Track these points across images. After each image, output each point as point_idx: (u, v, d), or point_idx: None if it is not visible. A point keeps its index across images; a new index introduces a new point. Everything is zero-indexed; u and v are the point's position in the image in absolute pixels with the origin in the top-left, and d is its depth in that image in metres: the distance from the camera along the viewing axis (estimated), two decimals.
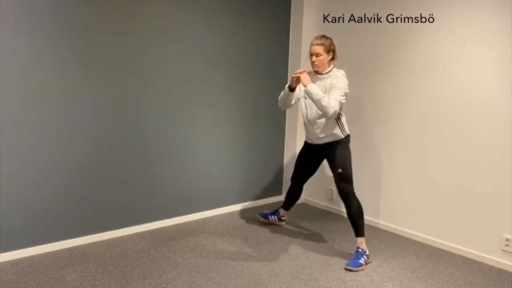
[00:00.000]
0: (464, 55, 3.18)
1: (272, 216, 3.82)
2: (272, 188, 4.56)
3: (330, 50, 3.07)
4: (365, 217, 3.89)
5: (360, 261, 3.00)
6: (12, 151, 2.86)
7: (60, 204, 3.11)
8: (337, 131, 3.14)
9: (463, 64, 3.19)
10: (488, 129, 3.08)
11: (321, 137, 3.18)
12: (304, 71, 3.03)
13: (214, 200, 4.06)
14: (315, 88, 2.93)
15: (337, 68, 3.14)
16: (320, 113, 3.05)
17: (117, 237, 3.40)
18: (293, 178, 3.59)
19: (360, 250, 3.08)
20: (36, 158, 2.96)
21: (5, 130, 2.81)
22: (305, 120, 3.27)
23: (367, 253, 3.09)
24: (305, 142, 3.44)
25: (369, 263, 3.07)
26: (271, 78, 4.32)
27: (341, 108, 3.02)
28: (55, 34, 2.94)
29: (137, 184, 3.50)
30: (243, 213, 4.12)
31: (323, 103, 2.88)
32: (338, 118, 3.13)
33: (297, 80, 3.06)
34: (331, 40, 3.10)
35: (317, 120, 3.15)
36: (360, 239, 3.12)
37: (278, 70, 4.36)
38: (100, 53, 3.16)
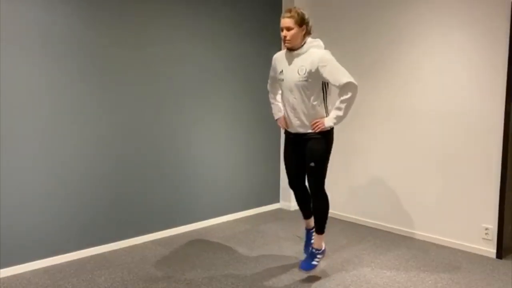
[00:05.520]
0: (437, 69, 3.63)
1: (315, 260, 3.03)
2: (270, 196, 4.88)
3: (303, 22, 2.70)
4: (358, 217, 4.30)
5: (314, 262, 2.97)
6: (41, 168, 3.12)
7: (82, 216, 3.37)
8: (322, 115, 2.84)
9: (438, 76, 3.63)
10: (466, 129, 3.52)
11: (307, 124, 2.85)
12: (317, 121, 2.79)
13: (219, 209, 4.35)
14: (337, 118, 2.74)
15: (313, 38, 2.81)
16: (302, 97, 2.78)
17: (134, 245, 3.65)
18: (291, 182, 3.10)
19: (314, 250, 2.99)
20: (64, 174, 3.24)
21: (34, 148, 3.08)
22: (287, 108, 2.92)
23: (323, 248, 3.02)
24: (287, 135, 3.08)
25: (321, 258, 3.05)
26: (267, 95, 4.68)
27: (327, 91, 2.81)
28: (81, 59, 3.26)
29: (150, 196, 3.78)
30: (246, 220, 4.43)
31: (350, 100, 2.66)
32: (324, 100, 2.83)
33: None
34: (304, 12, 2.74)
35: (299, 107, 2.82)
36: (319, 236, 2.99)
37: None
38: (119, 77, 3.49)
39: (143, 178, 3.72)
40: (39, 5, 3.04)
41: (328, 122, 2.78)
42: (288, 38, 2.71)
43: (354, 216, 4.37)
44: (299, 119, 2.86)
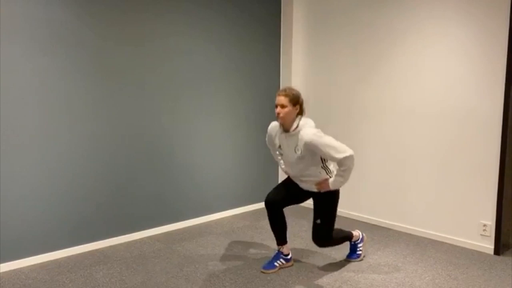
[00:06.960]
0: (435, 65, 3.62)
1: (277, 261, 3.10)
2: (267, 192, 4.87)
3: (297, 102, 2.83)
4: (356, 213, 4.32)
5: (358, 252, 3.27)
6: (39, 164, 3.11)
7: (80, 212, 3.36)
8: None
9: (436, 73, 3.63)
10: (464, 127, 3.52)
11: (313, 186, 2.97)
12: (322, 183, 2.90)
13: (217, 205, 4.35)
14: (341, 182, 2.81)
15: (305, 118, 2.90)
16: (304, 168, 2.90)
17: (132, 240, 3.65)
18: (270, 201, 3.11)
19: (353, 243, 3.26)
20: (61, 171, 3.23)
21: (32, 145, 3.07)
22: (291, 173, 3.06)
23: (361, 236, 3.27)
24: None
25: (363, 244, 3.29)
26: (265, 92, 4.69)
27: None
28: (79, 56, 3.25)
29: (148, 192, 3.77)
30: (244, 216, 4.43)
31: (349, 170, 2.74)
32: (324, 164, 2.93)
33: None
34: (299, 92, 2.88)
35: (302, 174, 2.96)
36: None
37: (270, 85, 4.73)
38: (117, 74, 3.48)
39: (141, 174, 3.72)
40: (36, 1, 3.02)
41: (332, 185, 2.86)
42: (281, 115, 2.82)
43: (352, 213, 4.38)
44: (304, 183, 3.01)
